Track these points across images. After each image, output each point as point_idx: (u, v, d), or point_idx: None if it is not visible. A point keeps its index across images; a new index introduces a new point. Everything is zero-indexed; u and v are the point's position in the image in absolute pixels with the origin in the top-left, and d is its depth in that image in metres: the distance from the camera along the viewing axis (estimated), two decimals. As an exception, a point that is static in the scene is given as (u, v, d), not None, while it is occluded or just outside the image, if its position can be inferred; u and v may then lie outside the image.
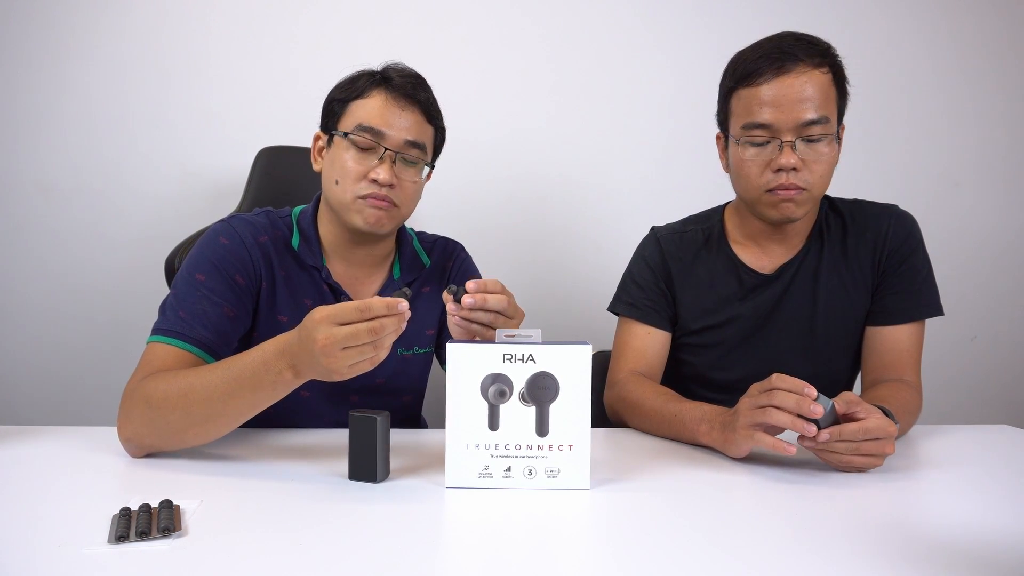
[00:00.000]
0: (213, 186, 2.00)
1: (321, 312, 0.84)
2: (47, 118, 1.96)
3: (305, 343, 0.85)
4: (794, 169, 1.14)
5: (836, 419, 0.93)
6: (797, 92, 1.12)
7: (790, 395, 0.91)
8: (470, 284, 0.92)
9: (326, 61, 1.98)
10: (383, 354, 0.85)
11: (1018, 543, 0.74)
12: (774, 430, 0.95)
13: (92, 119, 1.97)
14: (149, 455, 0.99)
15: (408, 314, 0.85)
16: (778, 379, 0.94)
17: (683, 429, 1.10)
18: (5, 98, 1.95)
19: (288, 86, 1.99)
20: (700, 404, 1.11)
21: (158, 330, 1.05)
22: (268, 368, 0.90)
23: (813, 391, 0.91)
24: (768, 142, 1.15)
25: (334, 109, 1.17)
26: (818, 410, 0.89)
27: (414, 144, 1.15)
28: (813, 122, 1.13)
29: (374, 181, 1.12)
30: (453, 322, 0.95)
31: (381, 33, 2.01)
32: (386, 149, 1.13)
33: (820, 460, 0.99)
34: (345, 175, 1.13)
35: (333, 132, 1.16)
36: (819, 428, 0.91)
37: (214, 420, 0.94)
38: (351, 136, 1.13)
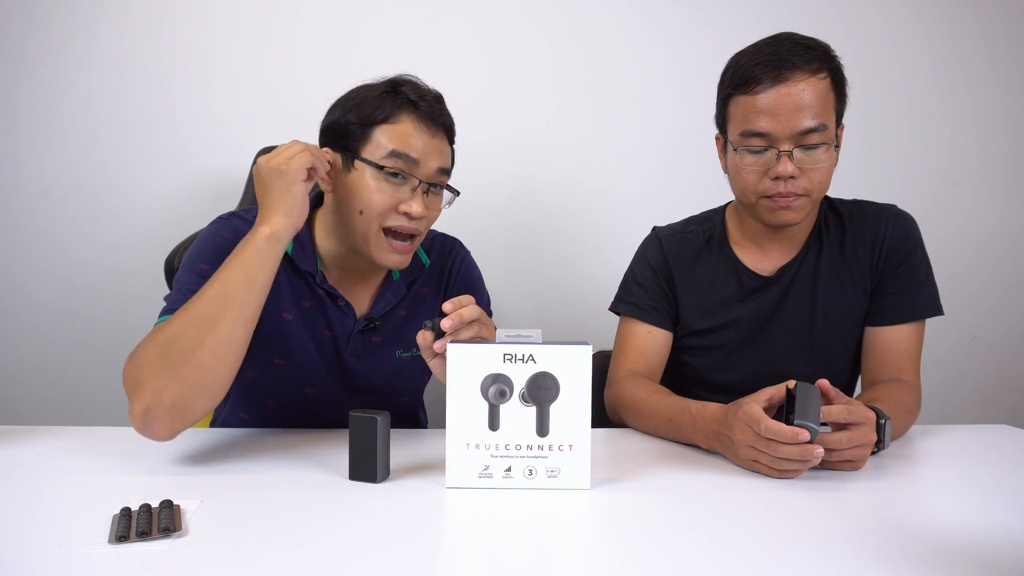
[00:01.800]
0: (213, 186, 2.00)
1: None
2: (47, 118, 1.96)
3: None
4: (792, 177, 1.14)
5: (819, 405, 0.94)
6: (794, 101, 1.12)
7: (792, 448, 0.91)
8: (445, 306, 0.91)
9: (326, 61, 1.99)
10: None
11: (1018, 543, 0.74)
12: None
13: (92, 119, 1.97)
14: (173, 433, 0.94)
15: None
16: (777, 431, 0.91)
17: (679, 434, 1.11)
18: (5, 98, 1.95)
19: (288, 86, 1.99)
20: (691, 408, 1.09)
21: (166, 312, 1.04)
22: (245, 241, 0.99)
23: (806, 435, 0.90)
24: (766, 150, 1.15)
25: (351, 130, 1.09)
26: (820, 454, 0.90)
27: (443, 171, 1.12)
28: (811, 130, 1.12)
29: (406, 214, 1.08)
30: (434, 362, 0.94)
31: (382, 33, 2.01)
32: (420, 181, 1.08)
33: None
34: (372, 206, 1.07)
35: (356, 157, 1.08)
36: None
37: (222, 320, 0.94)
38: (386, 168, 1.07)
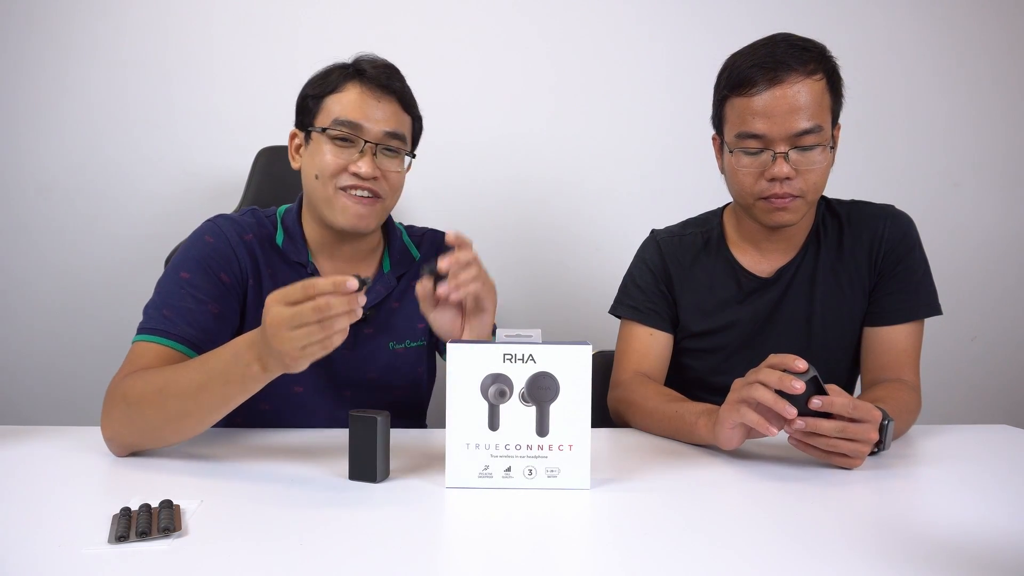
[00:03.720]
0: (213, 186, 2.00)
1: (273, 294, 0.83)
2: (47, 118, 1.96)
3: (263, 330, 0.84)
4: (787, 179, 1.15)
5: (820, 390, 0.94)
6: (790, 102, 1.12)
7: (774, 372, 0.92)
8: (441, 261, 0.92)
9: (327, 61, 1.98)
10: (337, 339, 0.82)
11: (1018, 543, 0.74)
12: (763, 410, 0.94)
13: (92, 119, 1.97)
14: (133, 454, 0.99)
15: (362, 299, 0.82)
16: (771, 357, 0.95)
17: (682, 424, 1.10)
18: (5, 98, 1.95)
19: (288, 86, 1.96)
20: (702, 403, 1.11)
21: (143, 329, 1.05)
22: (238, 360, 0.88)
23: (802, 364, 0.91)
24: (761, 151, 1.15)
25: (308, 105, 1.16)
26: (799, 386, 0.90)
27: (394, 135, 1.14)
28: (806, 132, 1.13)
29: (355, 175, 1.11)
30: (435, 316, 0.95)
31: (381, 33, 2.01)
32: (366, 142, 1.12)
33: (813, 458, 0.99)
34: (324, 169, 1.12)
35: (310, 128, 1.14)
36: (801, 411, 0.92)
37: (188, 416, 0.94)
38: (329, 131, 1.12)
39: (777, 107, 1.12)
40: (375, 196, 1.13)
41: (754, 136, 1.15)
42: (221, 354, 0.92)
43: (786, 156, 1.14)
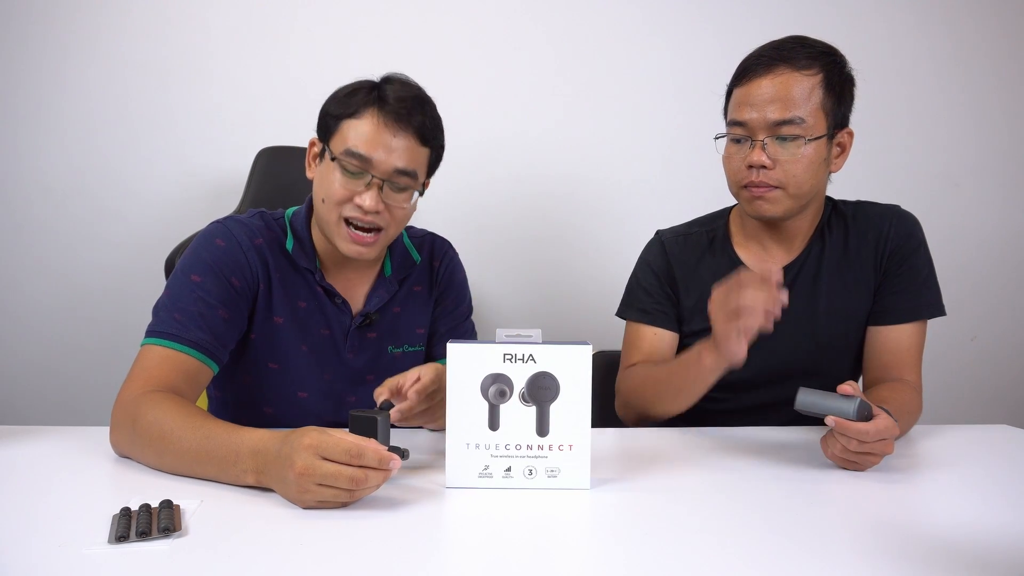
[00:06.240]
0: (213, 186, 2.00)
1: (311, 438, 0.79)
2: (47, 118, 1.96)
3: (283, 460, 0.80)
4: (764, 167, 1.16)
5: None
6: (772, 92, 1.14)
7: (759, 294, 0.93)
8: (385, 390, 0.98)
9: (326, 61, 1.99)
10: (356, 498, 0.81)
11: (1018, 543, 0.74)
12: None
13: (92, 119, 1.97)
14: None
15: (396, 463, 0.80)
16: (746, 277, 0.94)
17: (689, 369, 1.10)
18: (5, 98, 1.96)
19: (288, 86, 1.99)
20: (692, 347, 1.10)
21: (153, 332, 1.04)
22: (236, 461, 0.85)
23: (779, 275, 0.92)
24: (745, 140, 1.18)
25: (328, 123, 1.13)
26: (785, 298, 0.92)
27: (404, 172, 1.10)
28: (784, 122, 1.14)
29: (359, 206, 1.09)
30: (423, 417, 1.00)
31: (382, 33, 2.02)
32: (373, 177, 1.09)
33: (824, 455, 0.99)
34: (331, 196, 1.10)
35: (325, 149, 1.12)
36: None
37: (182, 472, 0.91)
38: (339, 160, 1.09)
39: (759, 96, 1.15)
40: (376, 229, 1.12)
41: (738, 123, 1.17)
42: (223, 441, 0.87)
43: (764, 144, 1.15)
